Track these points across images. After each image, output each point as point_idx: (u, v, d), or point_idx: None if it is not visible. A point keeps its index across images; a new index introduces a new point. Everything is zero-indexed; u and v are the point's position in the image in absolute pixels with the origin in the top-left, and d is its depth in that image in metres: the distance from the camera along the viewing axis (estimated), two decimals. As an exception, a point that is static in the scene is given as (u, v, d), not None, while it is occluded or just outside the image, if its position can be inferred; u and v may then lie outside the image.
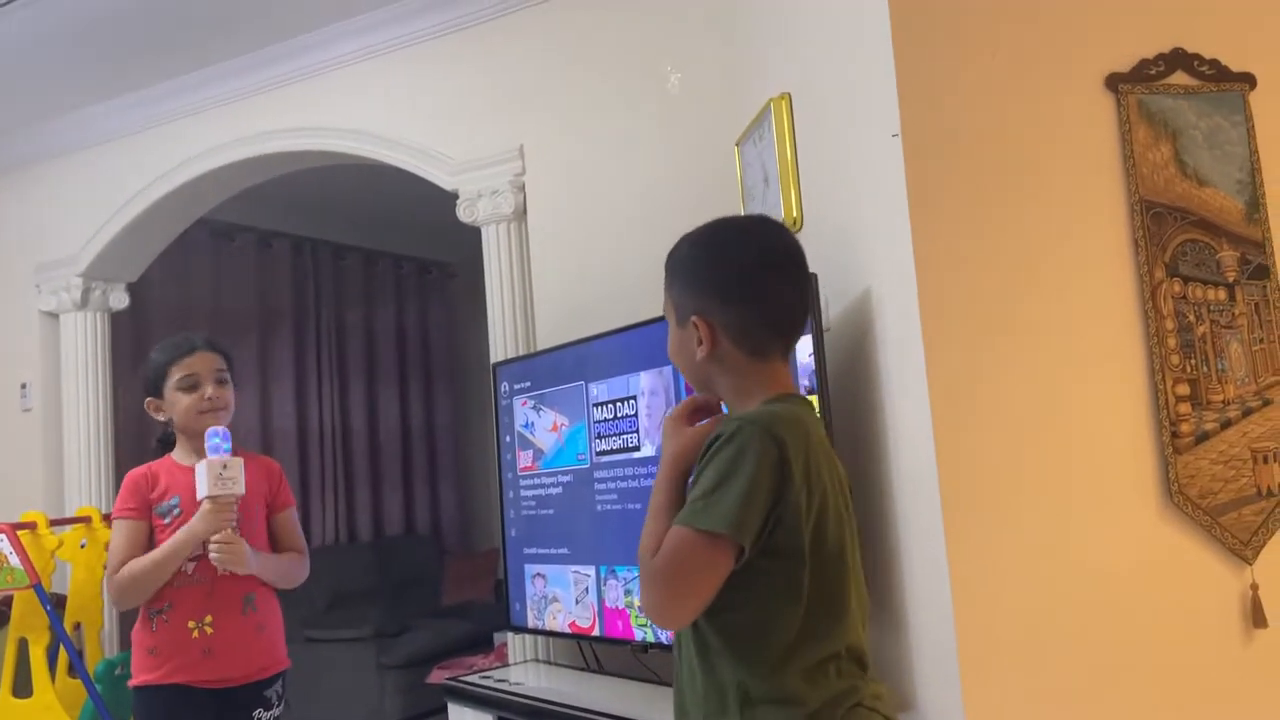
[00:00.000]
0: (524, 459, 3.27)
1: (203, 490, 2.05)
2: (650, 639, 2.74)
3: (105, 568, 3.56)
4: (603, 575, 2.93)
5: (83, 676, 3.35)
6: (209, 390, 2.18)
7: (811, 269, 2.31)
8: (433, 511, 6.53)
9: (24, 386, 4.65)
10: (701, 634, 1.42)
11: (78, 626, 3.60)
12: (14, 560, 3.35)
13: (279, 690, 2.23)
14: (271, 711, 2.20)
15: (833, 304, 2.42)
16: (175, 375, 2.17)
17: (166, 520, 2.14)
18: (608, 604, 2.90)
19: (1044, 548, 2.06)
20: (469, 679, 3.18)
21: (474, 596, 5.71)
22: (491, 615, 5.09)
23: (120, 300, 4.68)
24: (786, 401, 1.49)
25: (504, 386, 3.37)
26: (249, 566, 2.11)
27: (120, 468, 4.62)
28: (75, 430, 4.50)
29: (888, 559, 2.27)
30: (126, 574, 2.08)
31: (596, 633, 2.96)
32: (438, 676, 4.12)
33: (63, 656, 3.52)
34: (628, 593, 2.82)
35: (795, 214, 2.55)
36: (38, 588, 3.32)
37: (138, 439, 5.00)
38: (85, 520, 3.70)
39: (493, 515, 6.27)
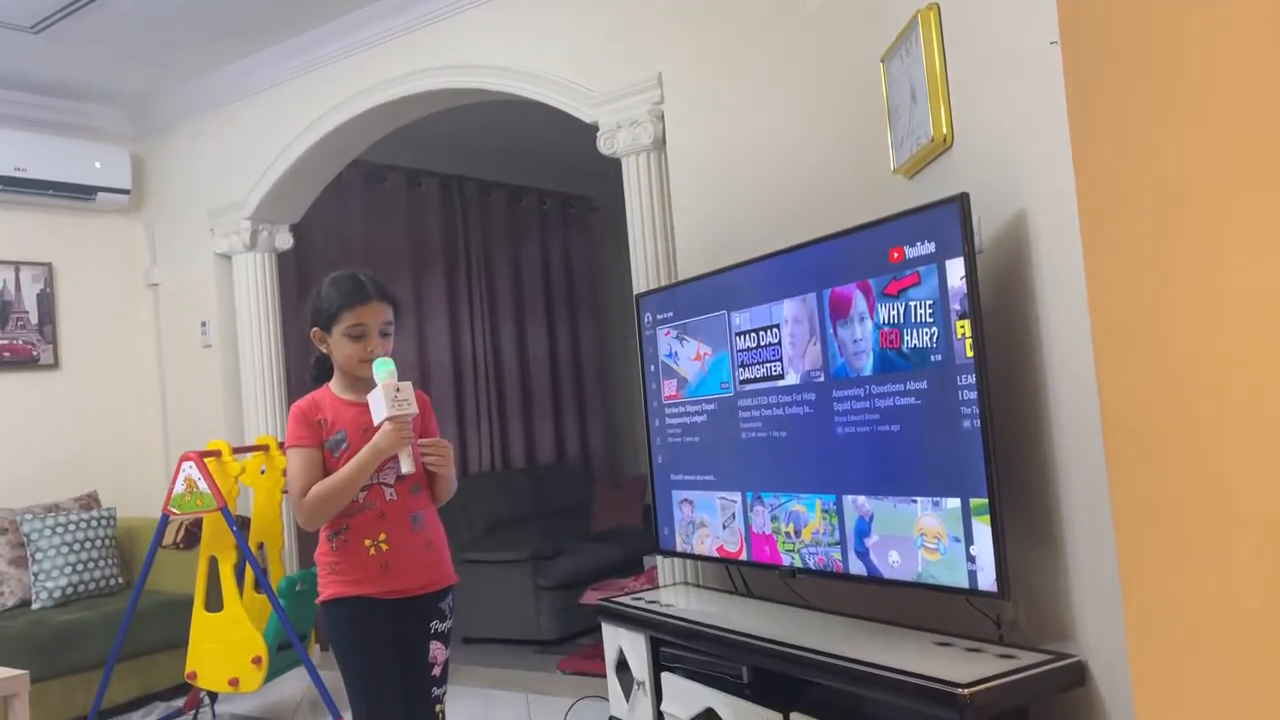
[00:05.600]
0: (668, 388, 3.31)
1: (381, 413, 2.17)
2: (798, 564, 2.76)
3: (285, 493, 3.83)
4: (749, 501, 2.95)
5: (267, 591, 3.63)
6: (374, 344, 2.25)
7: (963, 189, 2.24)
8: (582, 440, 6.70)
9: (204, 325, 4.99)
10: None
11: (261, 546, 3.88)
12: (202, 486, 3.63)
13: (450, 604, 2.38)
14: (446, 623, 2.36)
15: (985, 225, 2.33)
16: (345, 321, 2.22)
17: (335, 454, 2.26)
18: (754, 529, 2.93)
19: (1212, 476, 1.96)
20: (621, 600, 3.28)
21: (623, 522, 5.86)
22: (640, 540, 5.22)
23: (285, 241, 4.94)
24: None
25: (647, 318, 3.40)
26: (451, 466, 2.31)
27: (292, 397, 4.92)
28: (250, 364, 4.81)
29: (1044, 488, 2.21)
30: (314, 496, 2.21)
31: (744, 557, 3.00)
32: (591, 597, 4.27)
33: (249, 573, 3.82)
34: (774, 519, 2.84)
35: (945, 131, 2.45)
36: (224, 510, 3.60)
37: (306, 366, 5.30)
38: (264, 448, 3.96)
39: (639, 443, 6.38)
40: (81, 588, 4.28)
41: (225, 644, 3.58)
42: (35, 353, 4.87)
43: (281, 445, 4.00)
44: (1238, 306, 1.98)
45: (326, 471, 2.25)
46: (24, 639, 3.79)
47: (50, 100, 4.87)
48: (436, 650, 2.30)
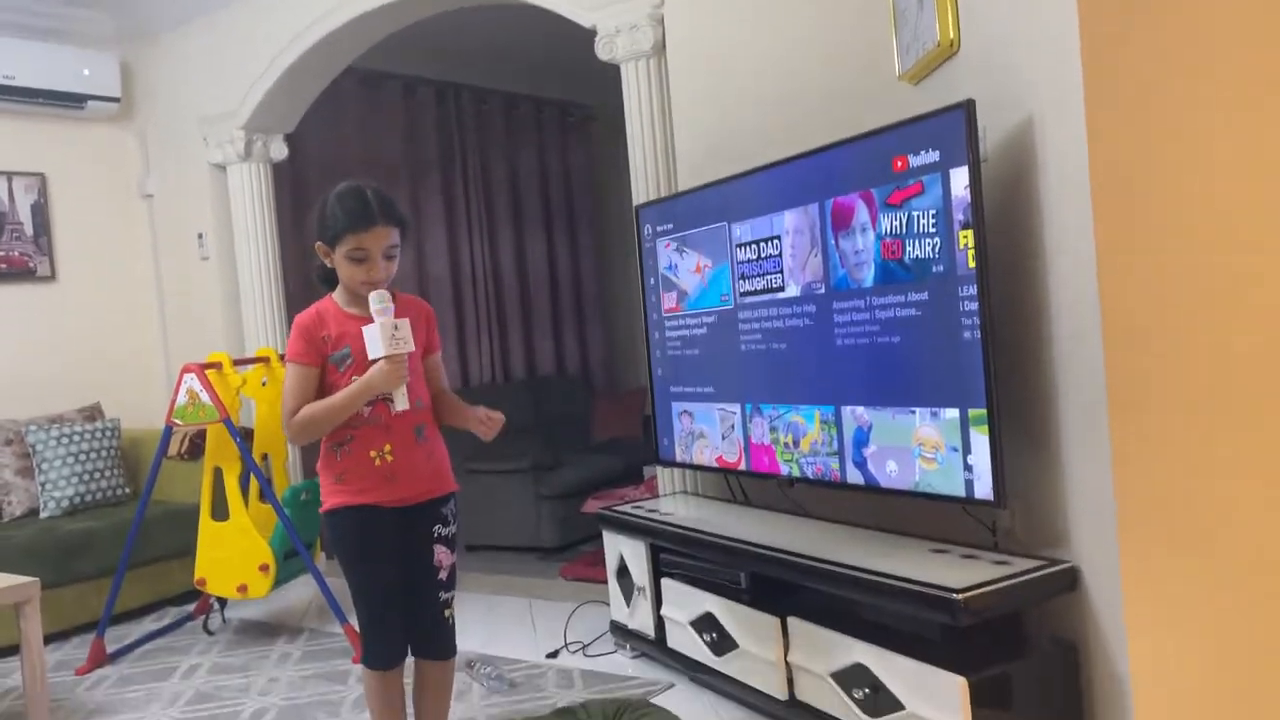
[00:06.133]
0: (668, 301, 3.30)
1: (376, 350, 2.14)
2: (796, 474, 2.79)
3: (284, 406, 3.85)
4: (748, 413, 2.97)
5: (272, 501, 3.67)
6: (376, 269, 2.19)
7: (968, 95, 2.20)
8: (581, 352, 6.71)
9: (200, 237, 4.95)
10: None
11: (265, 457, 3.92)
12: (204, 397, 3.64)
13: (452, 509, 2.40)
14: (449, 528, 2.38)
15: (991, 132, 2.30)
16: (349, 244, 2.16)
17: (340, 369, 2.25)
18: (753, 440, 2.96)
19: (1210, 385, 1.97)
20: (622, 509, 3.33)
21: (623, 433, 5.91)
22: (640, 450, 5.27)
23: (280, 151, 4.87)
24: None
25: (647, 229, 3.37)
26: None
27: (291, 309, 4.92)
28: (249, 276, 4.79)
29: (1042, 398, 2.22)
30: (303, 418, 2.21)
31: (743, 467, 3.03)
32: (592, 506, 4.33)
33: (254, 484, 3.86)
34: (773, 429, 2.86)
35: (952, 36, 2.39)
36: (227, 421, 3.62)
37: (305, 281, 5.28)
38: (264, 360, 3.97)
39: (639, 355, 6.40)
40: (89, 497, 4.34)
41: (233, 552, 3.65)
42: (31, 264, 4.84)
43: (282, 357, 4.00)
44: (1243, 216, 1.97)
45: (327, 388, 2.24)
46: (33, 547, 3.86)
47: (35, 4, 4.75)
48: (441, 554, 2.33)
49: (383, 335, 2.11)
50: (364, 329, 2.15)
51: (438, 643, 2.34)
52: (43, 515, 4.25)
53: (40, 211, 4.86)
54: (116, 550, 3.86)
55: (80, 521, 4.13)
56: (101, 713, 3.17)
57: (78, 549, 3.95)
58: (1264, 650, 1.97)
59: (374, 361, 2.15)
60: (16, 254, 4.79)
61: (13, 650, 3.35)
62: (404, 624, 2.30)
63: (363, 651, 2.32)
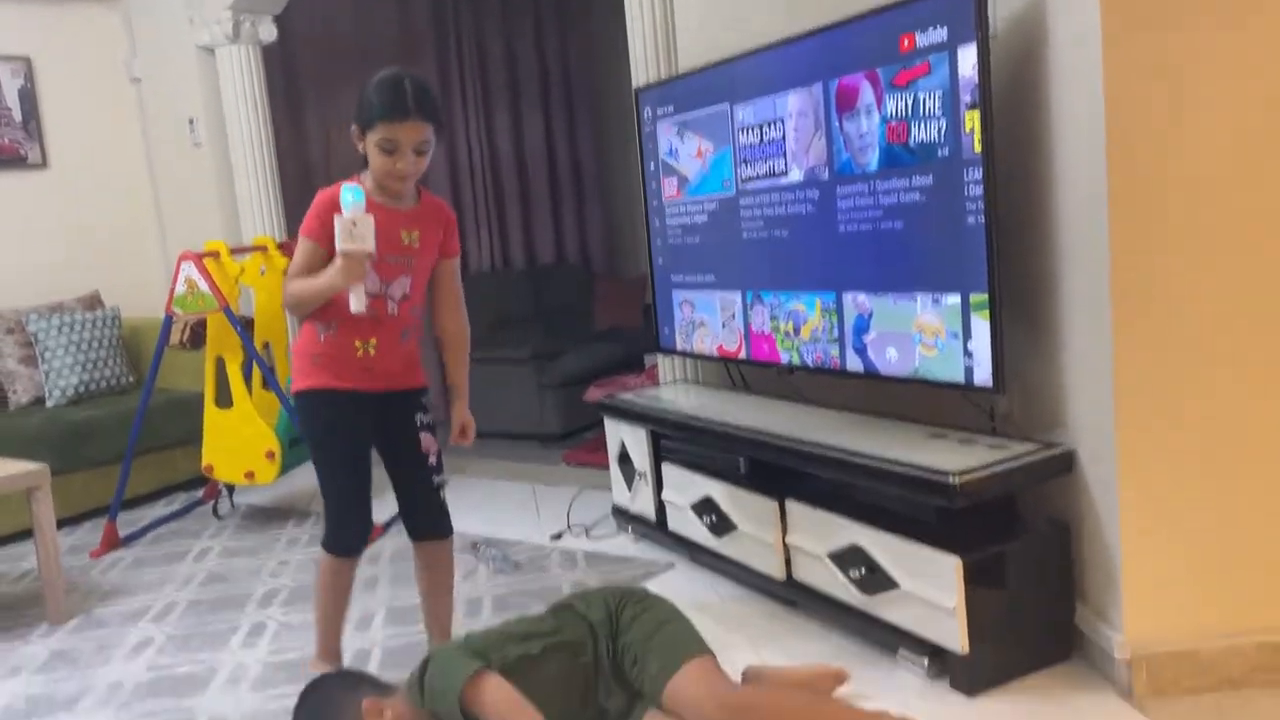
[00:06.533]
0: (669, 187, 3.26)
1: (337, 244, 2.10)
2: (796, 361, 2.80)
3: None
4: (749, 301, 2.96)
5: (275, 389, 3.70)
6: (405, 162, 2.15)
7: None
8: (581, 240, 6.65)
9: (191, 122, 4.85)
10: None
11: (266, 345, 3.93)
12: (203, 286, 3.63)
13: (428, 401, 2.43)
14: (428, 416, 2.41)
15: (1001, 5, 2.23)
16: (380, 132, 2.12)
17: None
18: (754, 328, 2.96)
19: (1212, 264, 1.96)
20: (623, 397, 3.35)
21: (623, 322, 5.91)
22: (640, 339, 5.28)
23: (269, 33, 4.72)
24: None
25: (647, 112, 3.30)
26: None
27: (287, 196, 4.86)
28: (243, 164, 4.70)
29: (1045, 284, 2.21)
30: (291, 291, 2.23)
31: (743, 355, 3.04)
32: (593, 394, 4.36)
33: (256, 372, 3.88)
34: (774, 317, 2.86)
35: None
36: (226, 310, 3.62)
37: (302, 168, 5.20)
38: (262, 249, 3.94)
39: (639, 243, 6.35)
40: (93, 385, 4.37)
41: (239, 440, 3.69)
42: (22, 151, 4.76)
43: (280, 245, 3.98)
44: (1261, 93, 1.92)
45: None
46: (41, 434, 3.90)
47: (8, -124, 4.55)
48: (428, 441, 2.36)
49: (341, 230, 2.07)
50: (335, 219, 2.09)
51: (437, 522, 2.40)
52: (49, 403, 4.29)
53: (28, 97, 4.76)
54: (123, 437, 3.91)
55: (85, 410, 4.17)
56: (117, 593, 3.26)
57: (84, 436, 4.00)
58: (1247, 526, 2.01)
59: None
60: (6, 140, 4.71)
61: (26, 534, 3.43)
62: (367, 513, 2.34)
63: (325, 535, 2.34)
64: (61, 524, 3.71)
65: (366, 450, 2.32)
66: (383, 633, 2.73)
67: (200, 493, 4.20)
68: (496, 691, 1.80)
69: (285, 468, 3.72)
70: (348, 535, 2.32)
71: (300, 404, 2.31)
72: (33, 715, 2.44)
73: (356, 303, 2.11)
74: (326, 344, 2.24)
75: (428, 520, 2.39)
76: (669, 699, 1.88)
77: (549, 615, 2.04)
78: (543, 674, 1.88)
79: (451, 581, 2.47)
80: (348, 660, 2.55)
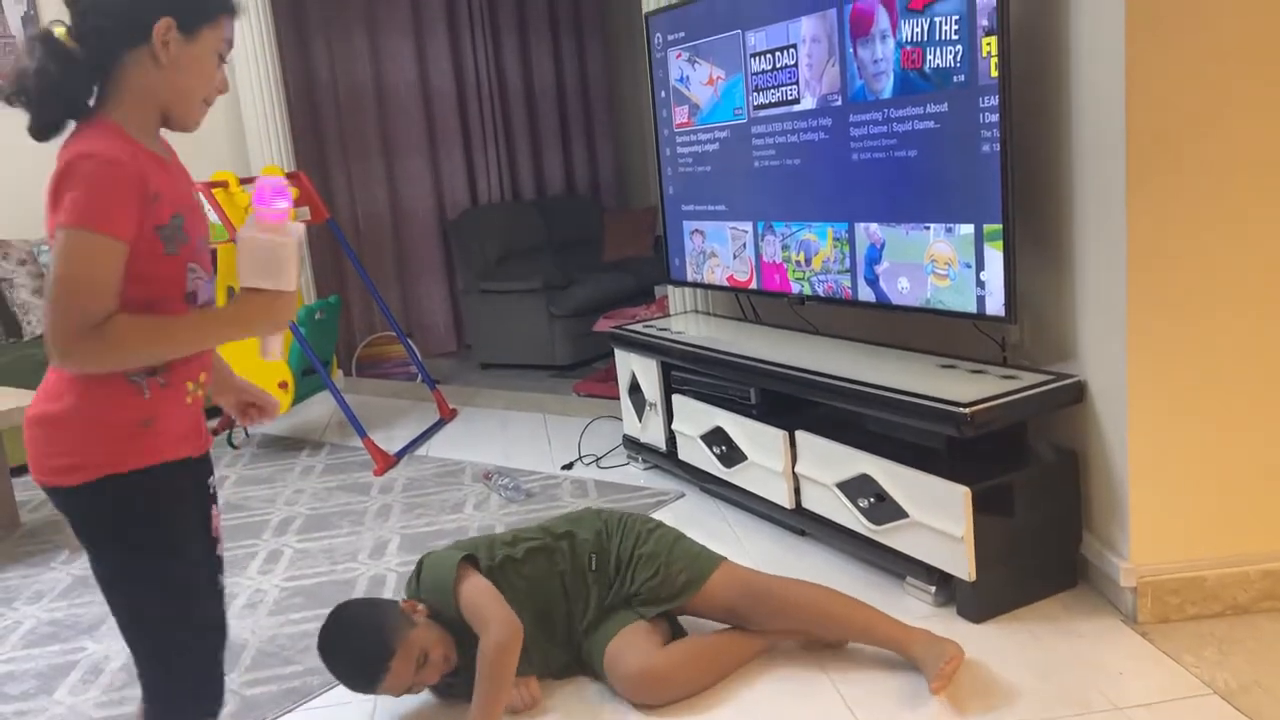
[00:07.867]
0: (680, 115, 3.21)
1: (262, 276, 1.35)
2: (808, 292, 2.79)
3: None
4: (760, 231, 2.94)
5: (287, 321, 3.71)
6: (223, 76, 1.45)
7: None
8: (591, 170, 6.59)
9: (196, 50, 4.78)
10: None
11: (277, 277, 3.92)
12: (213, 216, 3.63)
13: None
14: (213, 479, 1.53)
15: (1022, -70, 2.17)
16: (223, 30, 1.40)
17: (171, 250, 1.37)
18: (765, 258, 2.94)
19: (1232, 202, 1.93)
20: (634, 328, 3.35)
21: (633, 252, 5.88)
22: (651, 270, 5.27)
23: (272, -43, 4.63)
24: None
25: (657, 39, 3.25)
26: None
27: (295, 124, 4.82)
28: (249, 91, 4.65)
29: (1060, 213, 2.18)
30: (125, 333, 1.31)
31: (754, 286, 3.03)
32: (604, 325, 4.36)
33: (268, 303, 3.88)
34: (785, 248, 2.84)
35: None
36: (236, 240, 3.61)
37: (306, 93, 5.15)
38: (270, 180, 3.92)
39: (650, 173, 6.29)
40: (106, 317, 4.39)
41: (251, 370, 3.70)
42: (27, 81, 4.72)
43: (290, 175, 3.95)
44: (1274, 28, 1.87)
45: (140, 278, 1.35)
46: (57, 366, 3.93)
47: None
48: (218, 520, 1.53)
49: (264, 251, 1.35)
50: (240, 237, 1.36)
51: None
52: (62, 335, 4.31)
53: (32, 23, 4.70)
54: (137, 368, 3.93)
55: (100, 341, 4.19)
56: (136, 521, 3.31)
57: (100, 367, 4.02)
58: (1254, 455, 2.02)
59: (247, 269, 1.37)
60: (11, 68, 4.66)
61: (46, 463, 3.47)
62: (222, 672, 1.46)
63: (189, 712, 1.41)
64: (80, 453, 3.77)
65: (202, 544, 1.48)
66: (397, 559, 2.78)
67: (215, 423, 4.24)
68: (477, 582, 1.97)
69: (299, 398, 3.75)
70: (219, 693, 1.43)
71: (96, 503, 1.35)
72: (56, 639, 2.50)
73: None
74: (154, 399, 1.36)
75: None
76: (701, 599, 2.04)
77: (539, 527, 2.17)
78: (522, 573, 2.05)
79: None
80: (364, 585, 2.60)
